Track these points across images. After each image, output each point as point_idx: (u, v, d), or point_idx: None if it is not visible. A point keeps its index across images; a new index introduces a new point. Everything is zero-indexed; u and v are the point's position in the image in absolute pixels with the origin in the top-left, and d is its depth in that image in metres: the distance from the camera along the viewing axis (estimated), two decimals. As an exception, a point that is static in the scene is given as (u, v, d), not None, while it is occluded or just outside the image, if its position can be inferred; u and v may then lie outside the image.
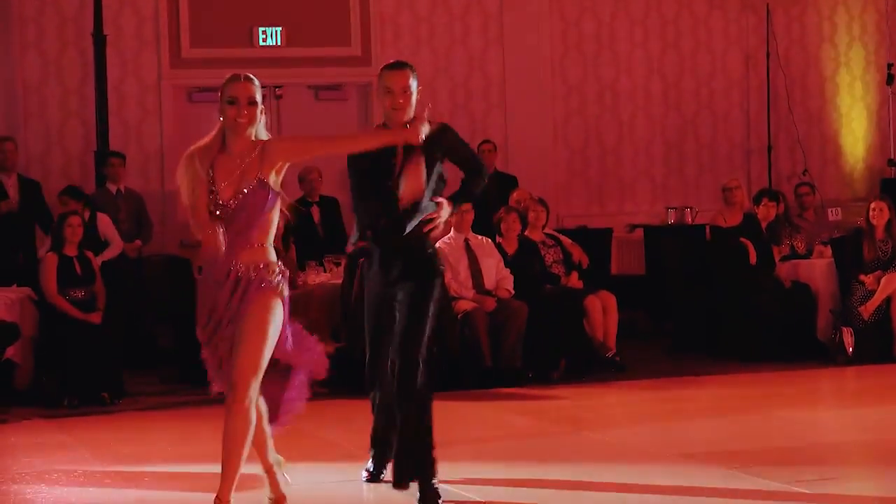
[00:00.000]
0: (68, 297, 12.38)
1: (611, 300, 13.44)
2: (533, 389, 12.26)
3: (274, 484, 7.36)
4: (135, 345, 13.55)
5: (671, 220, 15.80)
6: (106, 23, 14.78)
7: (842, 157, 18.63)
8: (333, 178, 14.97)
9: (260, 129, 6.90)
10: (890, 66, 18.40)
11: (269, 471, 7.35)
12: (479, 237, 13.18)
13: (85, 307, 12.42)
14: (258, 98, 6.84)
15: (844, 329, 13.72)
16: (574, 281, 13.63)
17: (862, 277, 13.67)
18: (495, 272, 12.97)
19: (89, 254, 12.77)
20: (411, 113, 7.94)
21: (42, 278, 12.46)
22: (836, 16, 18.61)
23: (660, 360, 13.32)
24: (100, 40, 14.68)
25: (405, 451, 7.89)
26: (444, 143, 8.09)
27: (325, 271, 13.32)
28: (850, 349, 13.59)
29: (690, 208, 15.83)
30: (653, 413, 11.15)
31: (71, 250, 12.51)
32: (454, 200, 8.16)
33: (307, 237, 14.35)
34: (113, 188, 14.51)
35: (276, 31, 16.33)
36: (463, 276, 12.94)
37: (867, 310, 13.55)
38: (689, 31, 18.05)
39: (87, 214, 13.29)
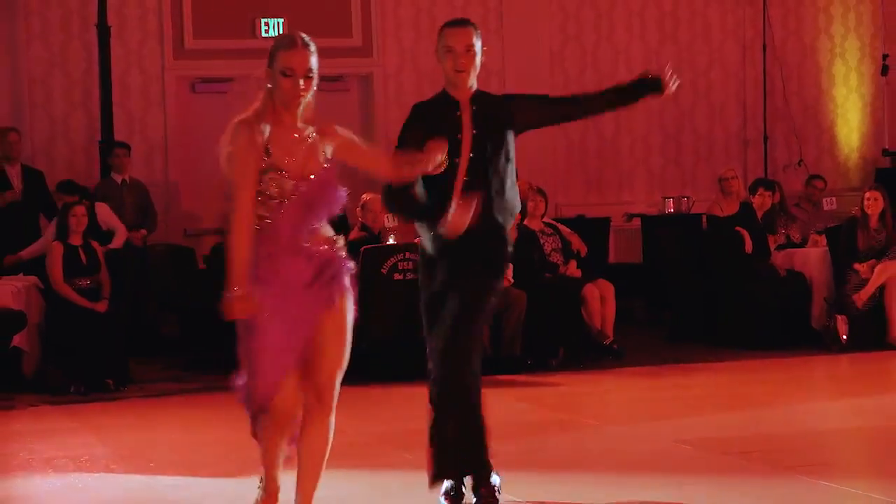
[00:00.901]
0: (74, 286, 12.44)
1: (609, 289, 13.51)
2: (532, 376, 12.35)
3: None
4: (139, 333, 13.64)
5: (669, 210, 15.86)
6: (110, 14, 14.85)
7: (837, 147, 18.71)
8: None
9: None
10: (885, 56, 18.42)
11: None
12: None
13: (90, 296, 12.49)
14: (315, 67, 5.98)
15: (839, 317, 13.79)
16: (572, 269, 13.66)
17: (856, 266, 13.76)
18: None
19: (94, 243, 12.80)
20: (474, 76, 7.06)
21: (48, 267, 12.53)
22: (832, 7, 18.67)
23: (657, 348, 13.40)
24: (104, 32, 14.73)
25: (454, 446, 7.05)
26: (515, 120, 7.18)
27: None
28: (845, 337, 13.66)
29: (687, 198, 15.90)
30: (650, 400, 11.22)
31: (76, 240, 12.59)
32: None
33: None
34: (118, 178, 14.58)
35: (278, 23, 16.36)
36: None
37: (861, 298, 13.64)
38: (687, 23, 18.14)
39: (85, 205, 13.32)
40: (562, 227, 14.17)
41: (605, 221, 16.33)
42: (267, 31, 16.25)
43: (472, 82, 7.05)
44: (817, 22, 18.61)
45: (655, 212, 16.87)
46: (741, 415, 10.68)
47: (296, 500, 6.10)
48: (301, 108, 6.01)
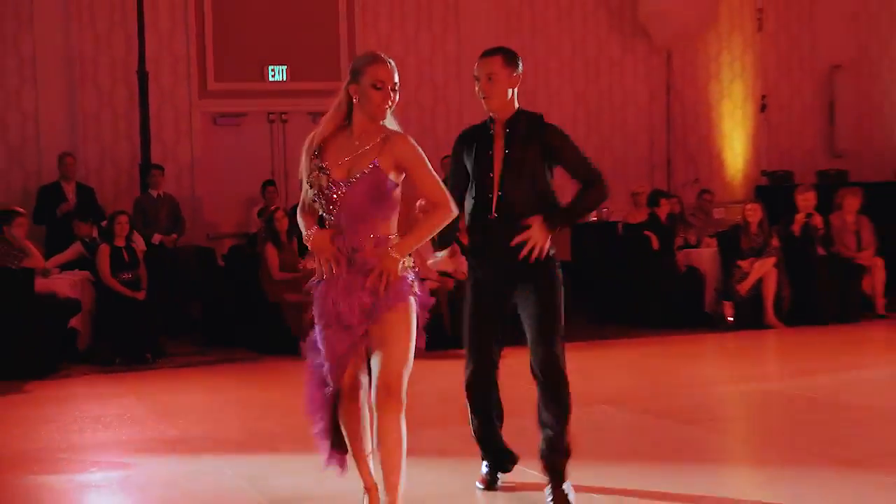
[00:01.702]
0: (118, 279, 12.50)
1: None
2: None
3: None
4: (171, 316, 13.70)
5: (593, 218, 15.93)
6: (148, 62, 14.80)
7: (725, 168, 18.82)
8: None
9: (388, 114, 5.42)
10: (763, 97, 18.69)
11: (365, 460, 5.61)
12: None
13: (131, 286, 12.56)
14: (398, 81, 5.42)
15: (726, 303, 14.06)
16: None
17: (739, 263, 13.94)
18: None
19: (134, 244, 12.89)
20: (503, 99, 6.15)
21: (98, 264, 12.58)
22: (721, 57, 18.78)
23: (581, 328, 13.36)
24: (143, 76, 14.68)
25: (551, 455, 6.18)
26: (552, 143, 6.22)
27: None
28: (731, 318, 13.93)
29: (607, 209, 15.98)
30: (577, 370, 11.28)
31: (120, 242, 12.67)
32: (559, 215, 6.15)
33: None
34: (154, 193, 14.63)
35: (282, 69, 16.41)
36: (426, 257, 12.88)
37: (743, 287, 13.86)
38: (607, 71, 18.20)
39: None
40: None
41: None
42: (273, 76, 16.33)
43: (505, 104, 6.18)
44: (709, 70, 18.70)
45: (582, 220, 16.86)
46: (649, 380, 10.83)
47: (384, 494, 5.34)
48: (388, 114, 5.39)
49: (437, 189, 5.36)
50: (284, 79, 16.44)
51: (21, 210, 12.71)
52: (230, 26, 16.18)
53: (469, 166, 6.30)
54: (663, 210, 14.63)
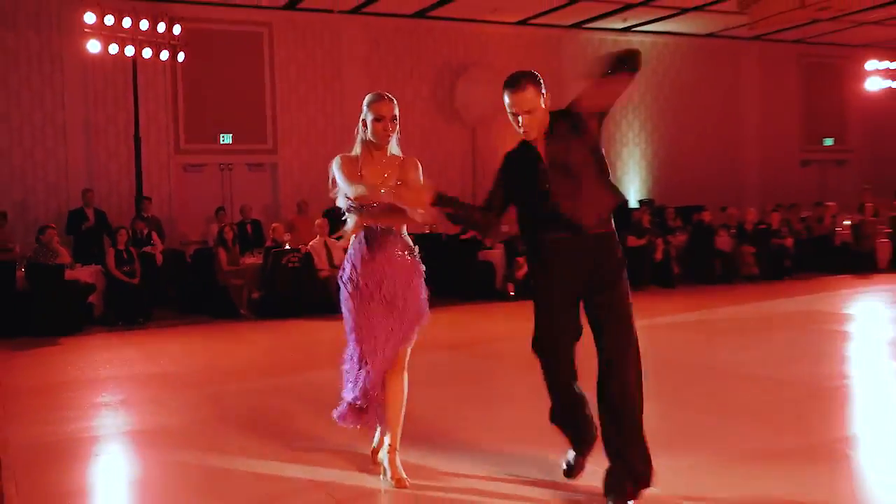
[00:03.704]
0: (120, 270, 12.32)
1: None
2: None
3: (394, 466, 4.51)
4: (156, 294, 13.35)
5: (426, 230, 15.92)
6: (141, 129, 14.63)
7: None
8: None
9: (393, 141, 4.53)
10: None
11: (391, 453, 4.53)
12: (332, 238, 13.00)
13: (129, 275, 12.38)
14: (398, 114, 4.48)
15: (509, 283, 14.02)
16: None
17: (517, 258, 13.90)
18: (343, 254, 12.91)
19: (132, 248, 12.69)
20: (541, 122, 4.07)
21: (107, 261, 12.44)
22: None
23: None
24: (137, 139, 14.53)
25: (623, 462, 3.94)
26: (584, 117, 4.05)
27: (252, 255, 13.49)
28: (512, 293, 13.84)
29: (435, 226, 16.03)
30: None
31: (121, 245, 12.50)
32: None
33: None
34: (146, 215, 14.31)
35: (229, 135, 16.19)
36: (323, 257, 13.00)
37: (519, 274, 13.79)
38: (423, 140, 17.15)
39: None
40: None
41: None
42: (223, 140, 16.13)
43: (541, 125, 4.09)
44: (506, 141, 18.50)
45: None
46: (467, 333, 10.48)
47: (388, 440, 4.51)
48: (390, 143, 4.48)
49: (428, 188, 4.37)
50: (230, 142, 16.24)
51: (52, 225, 12.44)
52: (195, 108, 15.91)
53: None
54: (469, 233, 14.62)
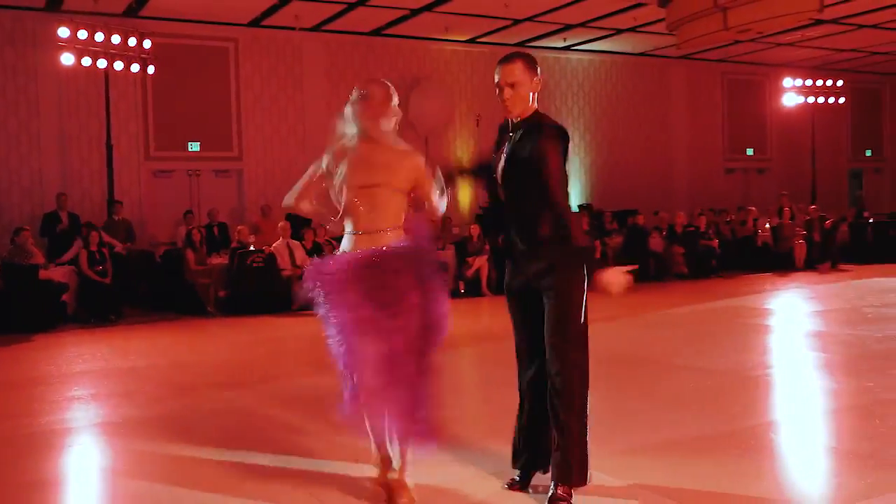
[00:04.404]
0: (93, 270, 12.10)
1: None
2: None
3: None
4: (127, 292, 13.15)
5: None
6: (112, 137, 14.34)
7: (458, 206, 17.60)
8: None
9: (388, 124, 3.86)
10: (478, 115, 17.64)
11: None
12: (294, 241, 13.09)
13: (101, 275, 12.15)
14: (393, 95, 3.90)
15: (460, 281, 14.05)
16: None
17: (468, 259, 14.06)
18: (304, 255, 12.87)
19: (104, 249, 12.44)
20: (525, 104, 3.71)
21: (80, 261, 12.20)
22: (455, 143, 18.19)
23: None
24: (109, 146, 14.29)
25: (567, 455, 3.62)
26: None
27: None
28: (462, 290, 13.92)
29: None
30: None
31: (93, 247, 12.28)
32: None
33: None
34: (117, 217, 14.13)
35: (196, 143, 15.98)
36: (285, 257, 12.93)
37: (469, 273, 13.94)
38: None
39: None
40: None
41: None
42: (191, 148, 15.93)
43: (526, 109, 3.74)
44: (451, 150, 18.33)
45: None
46: None
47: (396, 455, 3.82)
48: (383, 126, 3.84)
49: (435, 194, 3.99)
50: (198, 149, 16.02)
51: (26, 227, 12.27)
52: (164, 117, 15.66)
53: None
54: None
